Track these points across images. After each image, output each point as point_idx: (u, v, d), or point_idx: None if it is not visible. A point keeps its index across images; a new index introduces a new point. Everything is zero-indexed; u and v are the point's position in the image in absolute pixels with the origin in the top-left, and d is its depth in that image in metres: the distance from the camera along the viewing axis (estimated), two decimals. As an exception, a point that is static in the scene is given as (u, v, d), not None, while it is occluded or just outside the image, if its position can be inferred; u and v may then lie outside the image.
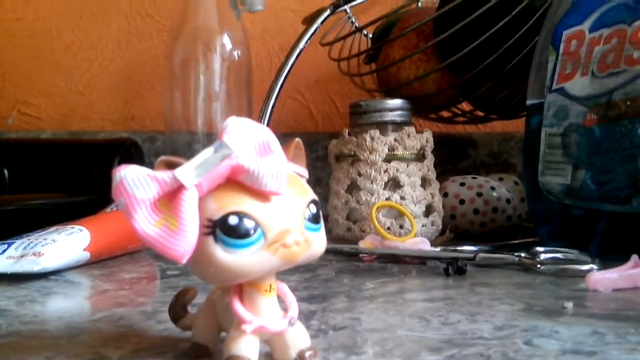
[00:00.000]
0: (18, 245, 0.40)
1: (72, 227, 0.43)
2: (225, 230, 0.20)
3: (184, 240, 0.20)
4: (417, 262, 0.45)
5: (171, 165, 0.21)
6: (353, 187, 0.55)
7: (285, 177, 0.21)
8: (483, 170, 0.81)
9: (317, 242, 0.22)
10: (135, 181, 0.20)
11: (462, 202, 0.58)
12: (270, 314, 0.22)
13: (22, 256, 0.39)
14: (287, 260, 0.21)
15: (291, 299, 0.23)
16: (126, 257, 0.48)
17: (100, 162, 0.63)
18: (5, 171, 0.60)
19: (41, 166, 0.63)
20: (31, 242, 0.40)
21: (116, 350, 0.25)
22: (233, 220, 0.20)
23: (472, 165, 0.81)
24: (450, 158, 0.81)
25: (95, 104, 0.87)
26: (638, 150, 0.43)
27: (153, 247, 0.20)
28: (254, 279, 0.22)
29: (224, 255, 0.20)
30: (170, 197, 0.20)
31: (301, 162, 0.24)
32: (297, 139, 0.24)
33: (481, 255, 0.43)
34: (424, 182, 0.55)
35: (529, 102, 0.53)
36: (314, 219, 0.22)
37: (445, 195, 0.59)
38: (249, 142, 0.21)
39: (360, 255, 0.46)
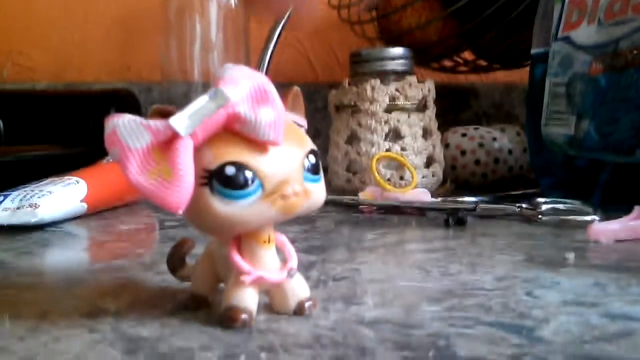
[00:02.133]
0: (14, 197, 0.40)
1: (69, 179, 0.43)
2: (222, 180, 0.20)
3: (179, 190, 0.19)
4: (417, 213, 0.44)
5: (165, 114, 0.20)
6: (353, 138, 0.54)
7: (283, 127, 0.20)
8: (485, 121, 0.80)
9: (316, 193, 0.22)
10: (128, 130, 0.19)
11: (463, 153, 0.58)
12: (269, 264, 0.22)
13: (18, 208, 0.39)
14: (285, 211, 0.21)
15: (290, 249, 0.23)
16: (124, 209, 0.48)
17: (96, 113, 0.62)
18: (0, 123, 0.60)
19: (36, 117, 0.62)
20: (27, 194, 0.40)
21: (114, 302, 0.25)
22: (230, 170, 0.20)
23: (474, 116, 0.81)
24: (452, 109, 0.80)
25: (90, 54, 0.85)
26: (644, 100, 0.42)
27: (148, 197, 0.19)
28: (252, 230, 0.22)
29: (221, 206, 0.20)
30: (165, 147, 0.20)
31: (300, 112, 0.23)
32: (296, 88, 0.23)
33: (482, 206, 0.43)
34: (425, 133, 0.54)
35: (533, 51, 0.52)
36: (314, 170, 0.22)
37: (446, 146, 0.58)
38: (245, 90, 0.20)
39: (360, 206, 0.46)
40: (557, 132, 0.47)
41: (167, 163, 0.19)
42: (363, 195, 0.48)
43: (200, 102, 0.20)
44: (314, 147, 0.22)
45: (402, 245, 0.36)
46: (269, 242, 0.22)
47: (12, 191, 0.41)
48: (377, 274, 0.29)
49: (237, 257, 0.22)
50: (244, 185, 0.20)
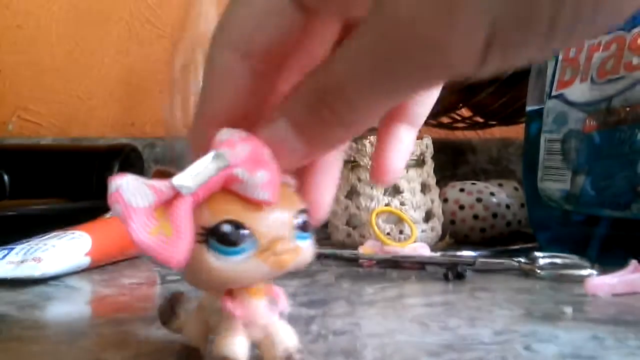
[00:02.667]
0: (19, 251, 0.40)
1: (73, 233, 0.43)
2: (218, 237, 0.21)
3: (179, 247, 0.20)
4: (417, 267, 0.45)
5: (165, 175, 0.21)
6: (353, 193, 0.55)
7: (276, 187, 0.21)
8: (483, 176, 0.81)
9: (305, 250, 0.23)
10: (132, 189, 0.20)
11: (461, 207, 0.58)
12: (255, 314, 0.23)
13: (22, 261, 0.39)
14: (277, 268, 0.22)
15: (281, 295, 0.24)
16: (126, 262, 0.48)
17: (100, 168, 0.63)
18: (6, 177, 0.60)
19: (41, 172, 0.63)
20: (32, 248, 0.40)
21: (116, 355, 0.26)
22: (226, 228, 0.21)
23: (471, 171, 0.81)
24: (450, 164, 0.81)
25: (95, 110, 0.87)
26: (637, 155, 0.43)
27: (148, 254, 0.20)
28: (245, 285, 0.23)
29: (216, 263, 0.21)
30: (167, 206, 0.21)
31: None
32: None
33: (481, 260, 0.43)
34: (424, 188, 0.55)
35: (528, 108, 0.53)
36: (303, 228, 0.22)
37: (445, 200, 0.59)
38: (243, 152, 0.21)
39: (360, 260, 0.46)
40: (553, 188, 0.48)
41: (169, 221, 0.20)
42: (363, 250, 0.48)
43: (203, 164, 0.21)
44: (304, 207, 0.23)
45: (402, 299, 0.36)
46: (258, 293, 0.23)
47: (17, 244, 0.41)
48: (377, 328, 0.30)
49: (229, 304, 0.22)
50: (239, 242, 0.21)
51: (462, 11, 0.16)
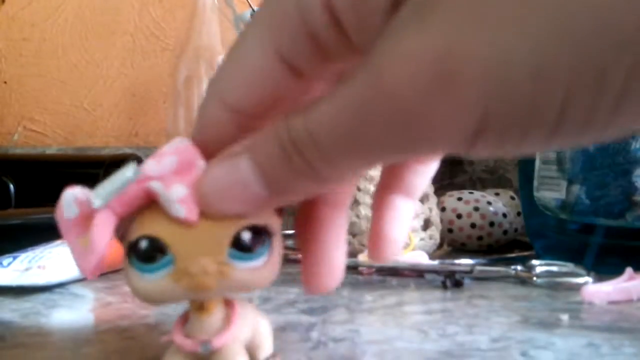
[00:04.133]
0: (23, 259, 0.41)
1: (76, 241, 0.44)
2: (136, 253, 0.20)
3: (89, 259, 0.20)
4: (416, 275, 0.45)
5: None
6: (352, 202, 0.55)
7: (195, 203, 0.20)
8: (480, 185, 0.81)
9: (241, 273, 0.20)
10: (65, 204, 0.21)
11: (459, 216, 0.59)
12: (201, 332, 0.22)
13: (27, 269, 0.40)
14: (192, 290, 0.20)
15: (234, 320, 0.22)
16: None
17: (105, 177, 0.63)
18: (11, 186, 0.61)
19: (46, 181, 0.64)
20: (36, 256, 0.41)
21: (121, 361, 0.26)
22: (143, 243, 0.20)
23: (468, 181, 0.82)
24: (448, 173, 0.82)
25: (99, 121, 0.88)
26: (632, 165, 0.44)
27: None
28: (169, 303, 0.21)
29: (135, 279, 0.20)
30: (92, 216, 0.21)
31: None
32: None
33: (478, 268, 0.44)
34: (422, 197, 0.56)
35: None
36: (245, 248, 0.20)
37: (442, 209, 0.59)
38: (167, 164, 0.20)
39: (360, 268, 0.47)
40: (549, 197, 0.49)
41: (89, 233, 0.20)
42: (362, 257, 0.48)
43: (117, 176, 0.20)
44: (258, 223, 0.20)
45: (401, 306, 0.37)
46: (203, 309, 0.22)
47: (21, 253, 0.42)
48: (376, 335, 0.30)
49: (178, 319, 0.23)
50: (154, 258, 0.20)
51: (457, 91, 0.14)
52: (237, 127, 0.21)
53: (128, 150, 0.79)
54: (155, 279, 0.20)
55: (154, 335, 0.30)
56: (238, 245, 0.20)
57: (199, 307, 0.22)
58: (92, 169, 0.65)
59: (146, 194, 0.20)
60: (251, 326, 0.23)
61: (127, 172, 0.20)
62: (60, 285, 0.41)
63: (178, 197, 0.19)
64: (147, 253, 0.20)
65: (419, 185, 0.24)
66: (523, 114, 0.14)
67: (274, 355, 0.24)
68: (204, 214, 0.19)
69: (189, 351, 0.22)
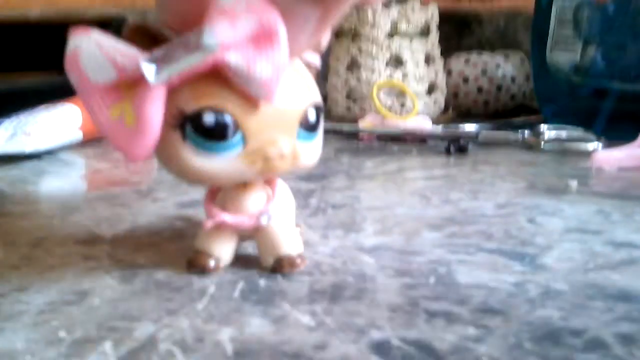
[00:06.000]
0: (8, 125, 0.39)
1: (63, 106, 0.42)
2: (197, 127, 0.17)
3: (139, 142, 0.17)
4: (418, 141, 0.44)
5: (143, 35, 0.17)
6: (353, 65, 0.53)
7: (279, 83, 0.17)
8: (489, 48, 0.78)
9: (306, 156, 0.19)
10: (91, 61, 0.17)
11: (465, 80, 0.56)
12: (245, 209, 0.20)
13: (12, 135, 0.38)
14: (265, 174, 0.18)
15: (276, 193, 0.20)
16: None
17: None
18: (-7, 51, 0.58)
19: (29, 45, 0.61)
20: (21, 122, 0.39)
21: (110, 229, 0.25)
22: (208, 117, 0.17)
23: (477, 43, 0.79)
24: (455, 35, 0.78)
25: (82, -21, 0.83)
26: (652, 27, 0.41)
27: (106, 137, 0.17)
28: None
29: (193, 158, 0.17)
30: (133, 85, 0.17)
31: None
32: None
33: (484, 133, 0.42)
34: (428, 59, 0.53)
35: (541, -23, 0.50)
36: (310, 127, 0.19)
37: (448, 72, 0.57)
38: (244, 30, 0.16)
39: (360, 134, 0.45)
40: (562, 58, 0.47)
41: (132, 107, 0.17)
42: (363, 123, 0.47)
43: (182, 54, 0.16)
44: (317, 100, 0.19)
45: (402, 173, 0.35)
46: (245, 186, 0.20)
47: (5, 119, 0.40)
48: (377, 202, 0.29)
49: (207, 201, 0.20)
50: (223, 137, 0.17)
51: None
52: None
53: (114, 12, 0.75)
54: (222, 160, 0.17)
55: (145, 202, 0.29)
56: (306, 124, 0.19)
57: (242, 184, 0.19)
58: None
59: (215, 64, 0.16)
60: (292, 200, 0.21)
61: (203, 44, 0.16)
62: (49, 152, 0.39)
63: (263, 77, 0.16)
64: (214, 128, 0.17)
65: None
66: None
67: (297, 225, 0.22)
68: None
69: (246, 227, 0.19)
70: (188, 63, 0.16)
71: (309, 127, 0.19)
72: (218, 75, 0.17)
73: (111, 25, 0.62)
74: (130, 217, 0.27)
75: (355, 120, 0.48)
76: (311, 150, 0.19)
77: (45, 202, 0.30)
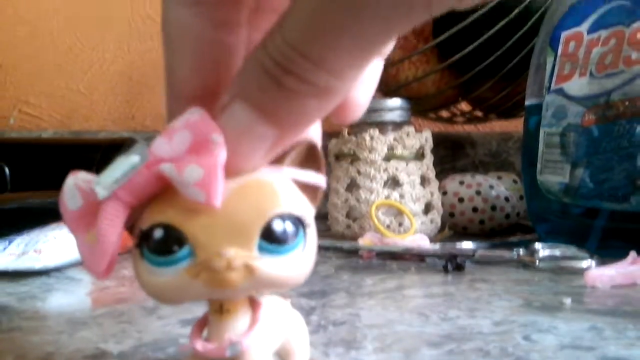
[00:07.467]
0: (19, 243, 0.40)
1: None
2: (148, 244, 0.17)
3: (98, 257, 0.17)
4: (416, 259, 0.45)
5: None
6: (353, 186, 0.55)
7: (218, 186, 0.16)
8: (482, 169, 0.81)
9: (273, 270, 0.17)
10: (68, 190, 0.18)
11: (461, 200, 0.58)
12: (219, 336, 0.18)
13: (23, 253, 0.39)
14: (214, 287, 0.17)
15: (255, 320, 0.19)
16: (126, 254, 0.48)
17: (101, 161, 0.63)
18: (7, 170, 0.60)
19: (42, 165, 0.63)
20: (32, 239, 0.40)
21: (117, 345, 0.26)
22: (157, 233, 0.17)
23: (471, 165, 0.82)
24: (449, 157, 0.81)
25: (96, 104, 0.87)
26: (636, 149, 0.43)
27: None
28: (185, 302, 0.18)
29: (146, 274, 0.17)
30: (99, 206, 0.18)
31: (315, 167, 0.19)
32: (308, 139, 0.19)
33: (480, 252, 0.43)
34: (423, 181, 0.55)
35: (527, 103, 0.53)
36: (276, 239, 0.17)
37: (444, 193, 0.59)
38: (180, 142, 0.17)
39: (360, 252, 0.47)
40: (552, 180, 0.48)
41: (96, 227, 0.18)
42: (362, 241, 0.48)
43: (120, 161, 0.17)
44: (290, 211, 0.17)
45: (402, 290, 0.36)
46: (222, 312, 0.18)
47: (17, 237, 0.41)
48: (377, 319, 0.30)
49: (197, 323, 0.19)
50: (169, 251, 0.17)
51: None
52: (212, 27, 0.18)
53: (125, 134, 0.79)
54: (170, 274, 0.17)
55: (151, 319, 0.30)
56: (269, 235, 0.17)
57: (219, 308, 0.18)
58: (89, 153, 0.64)
59: (158, 178, 0.17)
60: (283, 328, 0.20)
61: (134, 156, 0.17)
62: (57, 269, 0.40)
63: (194, 179, 0.16)
64: (161, 244, 0.17)
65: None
66: None
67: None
68: (229, 200, 0.17)
69: (214, 357, 0.18)
70: (126, 170, 0.17)
71: (275, 240, 0.17)
72: (174, 192, 0.17)
73: (123, 147, 0.66)
74: (136, 334, 0.27)
75: (355, 238, 0.49)
76: (283, 265, 0.17)
77: (53, 318, 0.30)
